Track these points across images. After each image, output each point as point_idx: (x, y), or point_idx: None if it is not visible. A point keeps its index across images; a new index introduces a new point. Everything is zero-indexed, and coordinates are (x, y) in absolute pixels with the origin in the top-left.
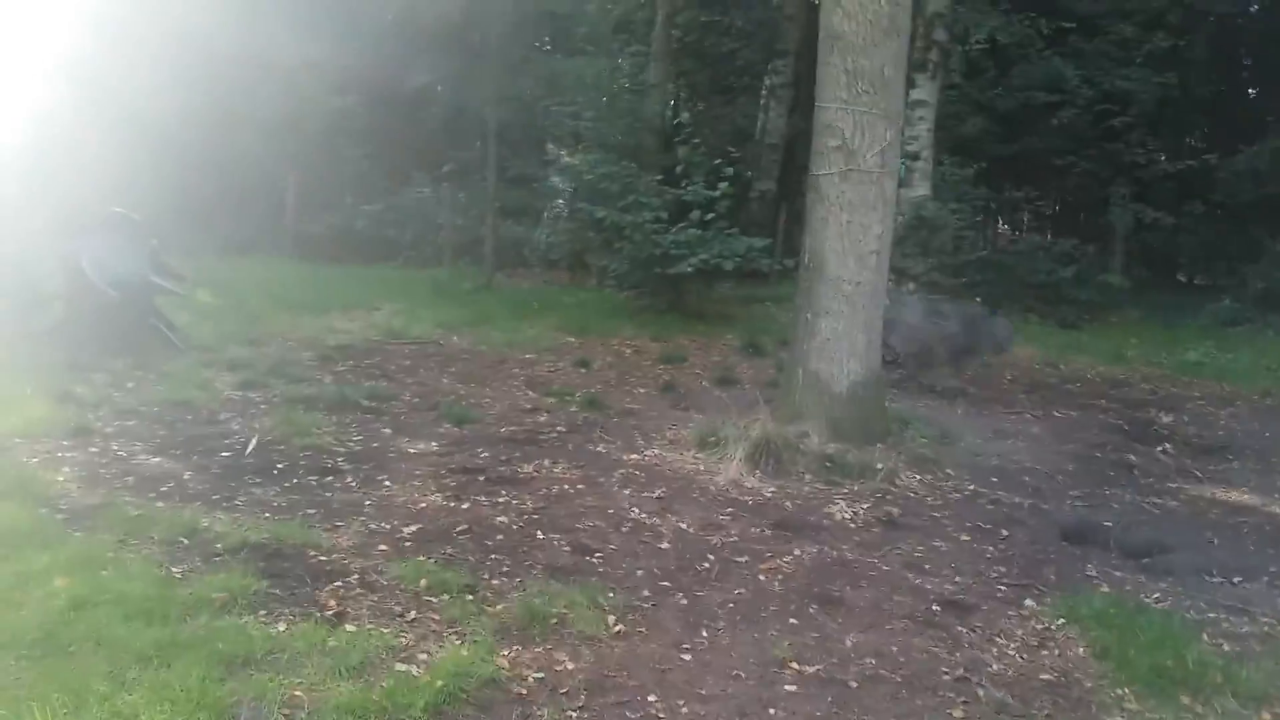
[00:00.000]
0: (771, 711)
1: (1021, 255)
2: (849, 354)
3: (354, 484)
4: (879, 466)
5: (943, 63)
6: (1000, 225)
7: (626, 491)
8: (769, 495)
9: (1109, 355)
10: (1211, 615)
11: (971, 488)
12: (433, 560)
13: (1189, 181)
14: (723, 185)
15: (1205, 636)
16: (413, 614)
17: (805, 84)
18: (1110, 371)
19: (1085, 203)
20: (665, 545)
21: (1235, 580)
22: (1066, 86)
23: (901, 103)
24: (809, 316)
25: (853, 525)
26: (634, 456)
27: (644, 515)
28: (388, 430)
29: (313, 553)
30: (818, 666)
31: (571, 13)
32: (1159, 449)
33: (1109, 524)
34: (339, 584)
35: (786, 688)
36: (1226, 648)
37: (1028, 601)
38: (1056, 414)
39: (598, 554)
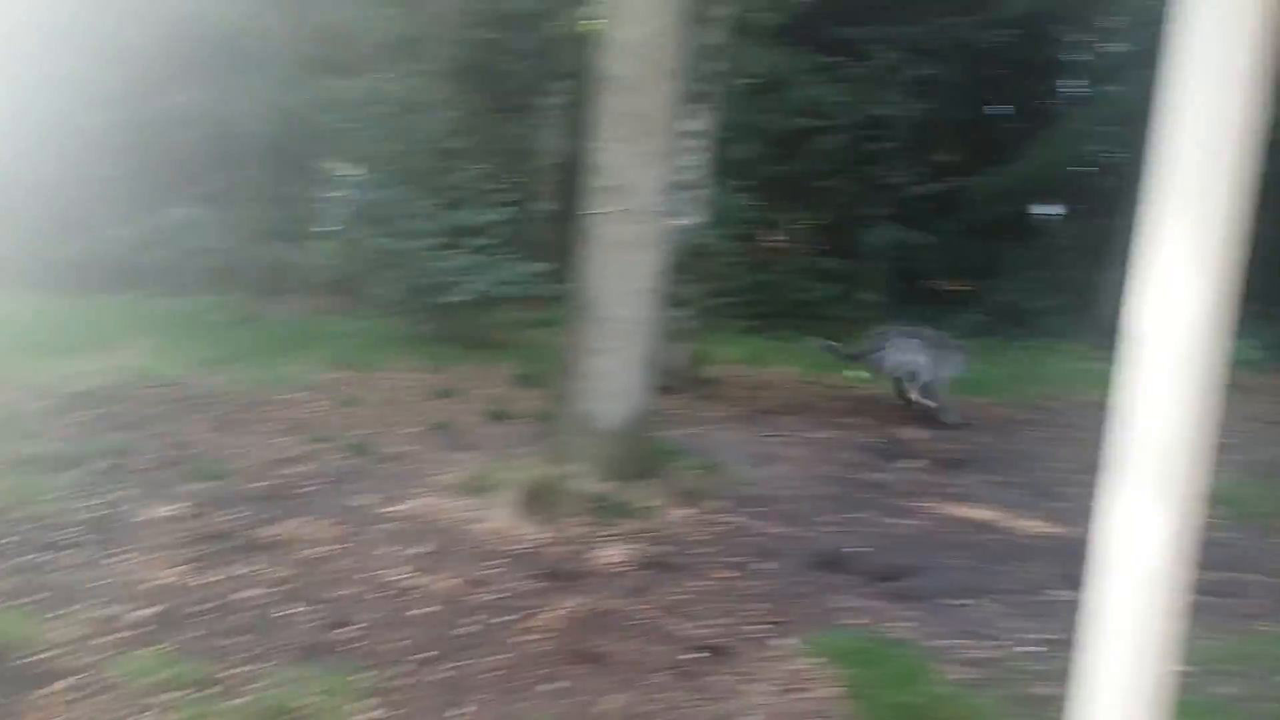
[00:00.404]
0: None
1: (789, 274)
2: (620, 392)
3: (85, 560)
4: (648, 505)
5: (718, 94)
6: (770, 245)
7: (390, 549)
8: (540, 542)
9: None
10: (950, 642)
11: (734, 519)
12: (171, 648)
13: (943, 201)
14: (502, 209)
15: (944, 665)
16: (147, 718)
17: (586, 105)
18: (867, 388)
19: (845, 224)
20: (430, 608)
21: (973, 601)
22: (829, 111)
23: (673, 142)
24: (580, 354)
25: (621, 570)
26: (400, 507)
27: (408, 575)
28: (128, 492)
29: (30, 650)
30: None
31: (347, 29)
32: (909, 466)
33: (861, 549)
34: (59, 687)
35: None
36: (966, 676)
37: (783, 640)
38: (819, 434)
39: (355, 625)
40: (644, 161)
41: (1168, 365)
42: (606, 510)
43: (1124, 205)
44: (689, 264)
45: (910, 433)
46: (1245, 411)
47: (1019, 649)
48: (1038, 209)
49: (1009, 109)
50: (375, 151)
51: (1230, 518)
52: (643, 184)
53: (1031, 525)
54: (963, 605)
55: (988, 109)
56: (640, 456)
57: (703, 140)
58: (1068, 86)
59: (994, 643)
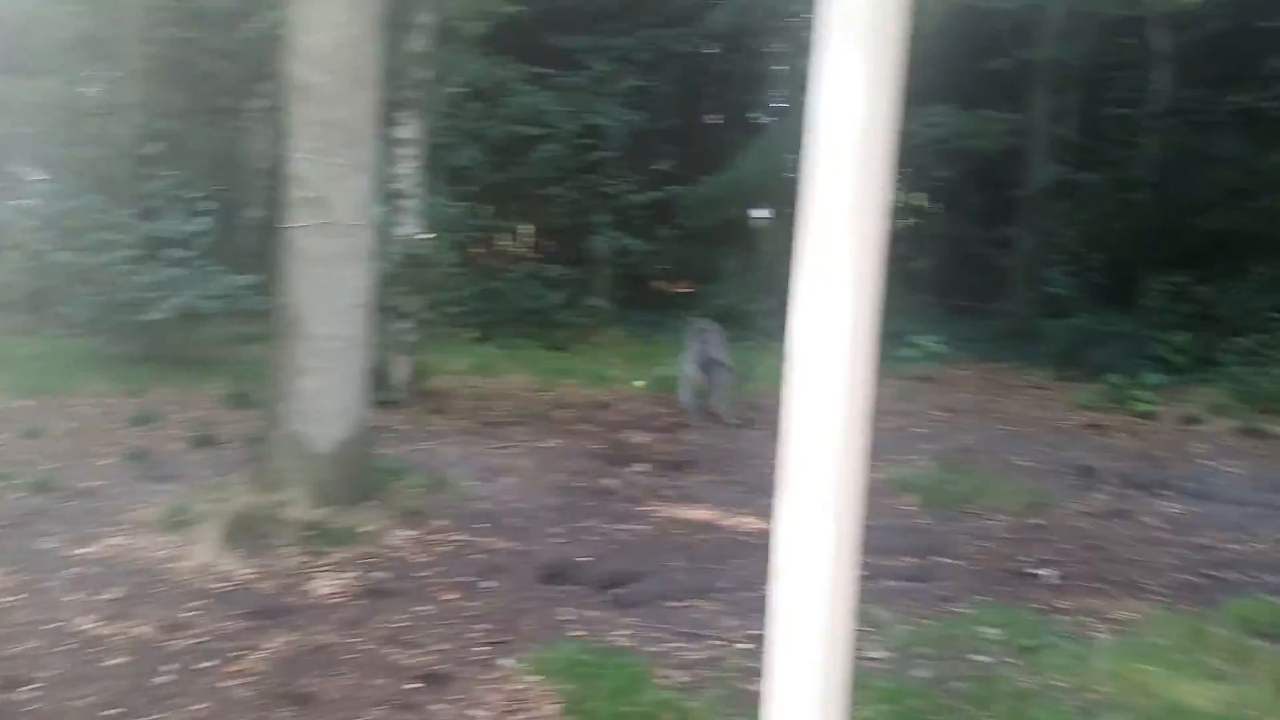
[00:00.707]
0: None
1: (514, 282)
2: (333, 412)
3: None
4: (367, 529)
5: (427, 101)
6: (496, 252)
7: (75, 597)
8: (246, 578)
9: (593, 378)
10: (669, 645)
11: (459, 538)
12: None
13: (662, 208)
14: (204, 218)
15: (663, 670)
16: None
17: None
18: (595, 394)
19: (571, 230)
20: (121, 659)
21: (693, 602)
22: (548, 120)
23: (374, 153)
24: (288, 375)
25: (335, 601)
26: (89, 549)
27: (95, 625)
28: None
29: None
30: None
31: (23, 26)
32: (635, 470)
33: (584, 558)
34: None
35: None
36: (682, 679)
37: (504, 660)
38: (544, 443)
39: (34, 684)
40: (344, 173)
41: (823, 369)
42: (321, 538)
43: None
44: (407, 275)
45: (637, 437)
46: (936, 403)
47: (736, 646)
48: (754, 214)
49: (720, 119)
50: (63, 157)
51: (923, 505)
52: (344, 196)
53: (749, 522)
54: (683, 607)
55: (704, 119)
56: (358, 478)
57: (414, 148)
58: (775, 98)
59: (712, 643)
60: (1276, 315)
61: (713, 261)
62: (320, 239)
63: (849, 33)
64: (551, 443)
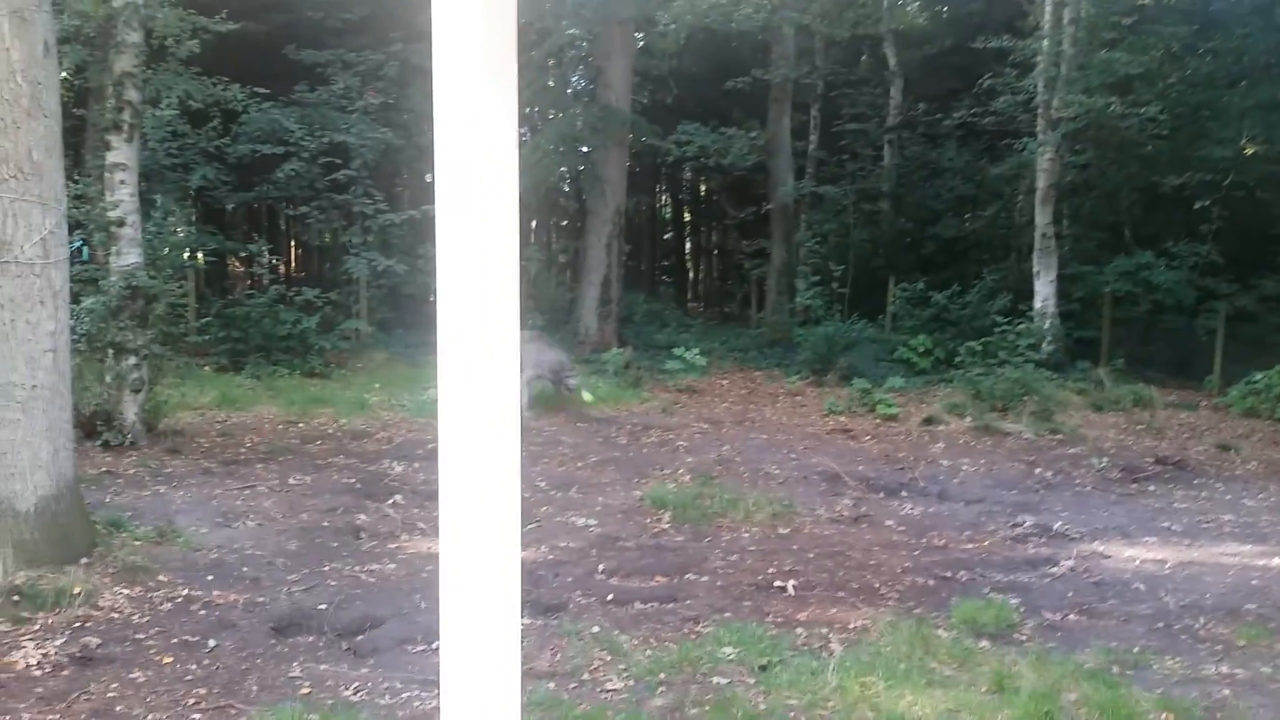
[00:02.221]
0: None
1: (264, 308)
2: (33, 466)
3: None
4: (78, 590)
5: (138, 124)
6: (243, 276)
7: None
8: None
9: (352, 405)
10: (405, 694)
11: (185, 592)
12: None
13: (419, 227)
14: None
15: None
16: None
17: None
18: (352, 424)
19: (324, 252)
20: None
21: (435, 644)
22: (291, 138)
23: (61, 186)
24: None
25: (38, 673)
26: None
27: None
28: None
29: None
30: None
31: None
32: (389, 503)
33: (322, 606)
34: None
35: None
36: None
37: None
38: (292, 480)
39: None
40: (21, 208)
41: (471, 379)
42: (25, 603)
43: (589, 223)
44: (128, 308)
45: (397, 467)
46: (699, 414)
47: None
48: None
49: None
50: None
51: (677, 521)
52: (28, 233)
53: None
54: (425, 651)
55: None
56: (68, 536)
57: (128, 173)
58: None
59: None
60: (1003, 318)
61: None
62: (3, 281)
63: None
64: (298, 479)
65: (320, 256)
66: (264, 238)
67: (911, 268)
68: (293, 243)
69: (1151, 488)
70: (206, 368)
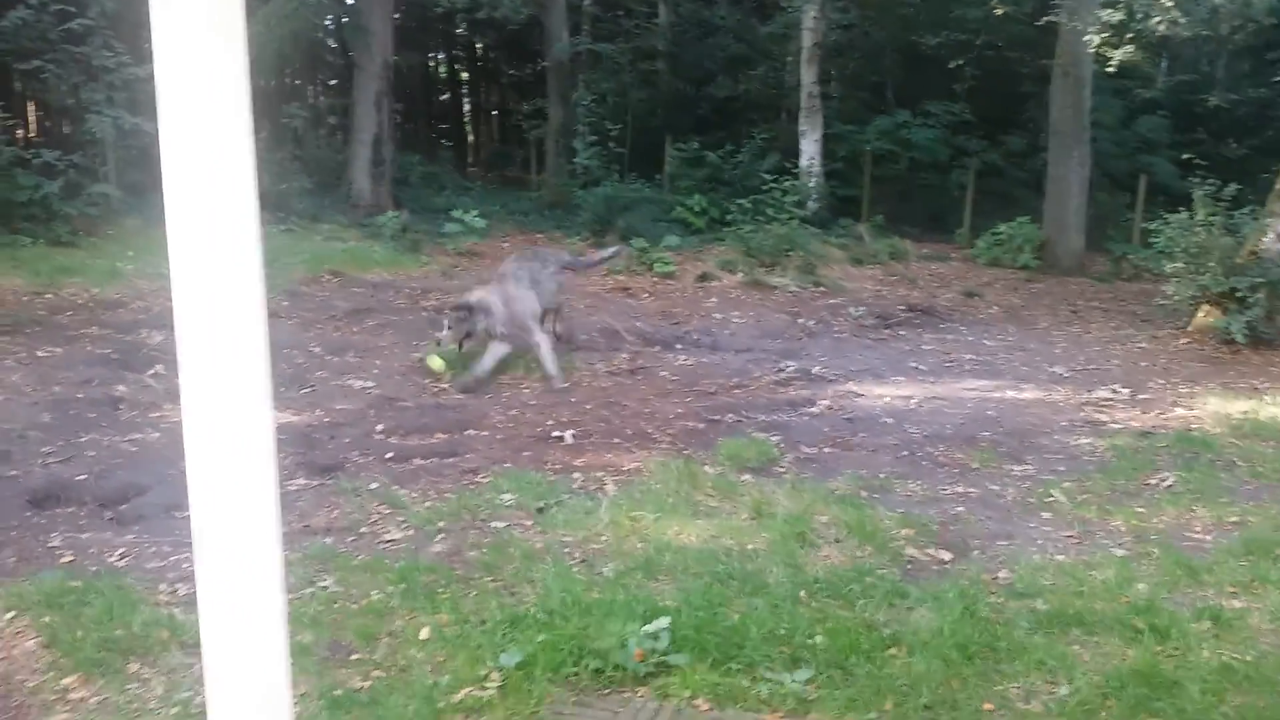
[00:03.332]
0: None
1: None
2: None
3: None
4: None
5: None
6: None
7: None
8: None
9: (104, 274)
10: (174, 558)
11: None
12: None
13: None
14: None
15: (162, 585)
16: None
17: None
18: (105, 293)
19: (65, 112)
20: None
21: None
22: None
23: None
24: None
25: None
26: None
27: None
28: None
29: None
30: None
31: None
32: (149, 374)
33: (82, 476)
34: None
35: None
36: (181, 591)
37: None
38: (41, 353)
39: None
40: None
41: (205, 258)
42: None
43: (357, 79)
44: None
45: (156, 336)
46: (479, 277)
47: None
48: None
49: None
50: None
51: (454, 381)
52: None
53: (277, 417)
54: (186, 517)
55: None
56: None
57: None
58: None
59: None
60: (771, 176)
61: None
62: None
63: None
64: (48, 351)
65: (61, 117)
66: None
67: (687, 128)
68: (29, 103)
69: (903, 333)
70: None
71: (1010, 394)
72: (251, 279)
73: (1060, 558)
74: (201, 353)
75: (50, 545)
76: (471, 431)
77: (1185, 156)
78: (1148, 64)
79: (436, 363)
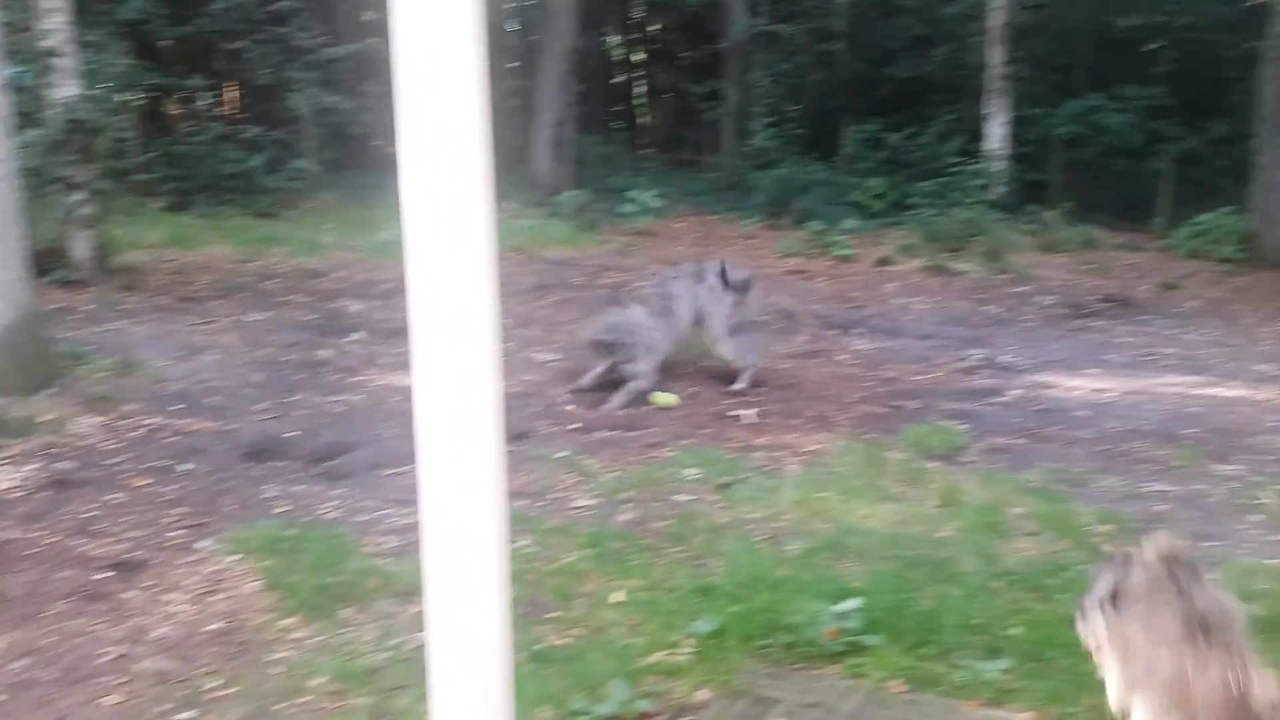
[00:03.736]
0: None
1: (206, 146)
2: None
3: None
4: (46, 418)
5: None
6: (185, 114)
7: None
8: None
9: (305, 245)
10: (381, 512)
11: (153, 421)
12: None
13: (364, 62)
14: None
15: (372, 537)
16: None
17: None
18: (306, 263)
19: (267, 88)
20: None
21: (406, 469)
22: None
23: None
24: None
25: (15, 496)
26: None
27: None
28: None
29: None
30: None
31: None
32: (349, 340)
33: (293, 433)
34: None
35: None
36: (390, 544)
37: (203, 543)
38: (250, 317)
39: None
40: None
41: (438, 231)
42: None
43: (541, 62)
44: (71, 142)
45: (354, 305)
46: (655, 256)
47: None
48: None
49: None
50: None
51: None
52: None
53: None
54: (396, 474)
55: None
56: (32, 365)
57: (65, 2)
58: None
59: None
60: (956, 159)
61: None
62: None
63: None
64: (258, 316)
65: (261, 95)
66: (202, 73)
67: (866, 109)
68: (232, 82)
69: (1096, 324)
70: (154, 206)
71: (1214, 391)
72: (482, 249)
73: (1273, 562)
74: (433, 321)
75: (266, 496)
76: (652, 407)
77: None
78: None
79: (665, 399)
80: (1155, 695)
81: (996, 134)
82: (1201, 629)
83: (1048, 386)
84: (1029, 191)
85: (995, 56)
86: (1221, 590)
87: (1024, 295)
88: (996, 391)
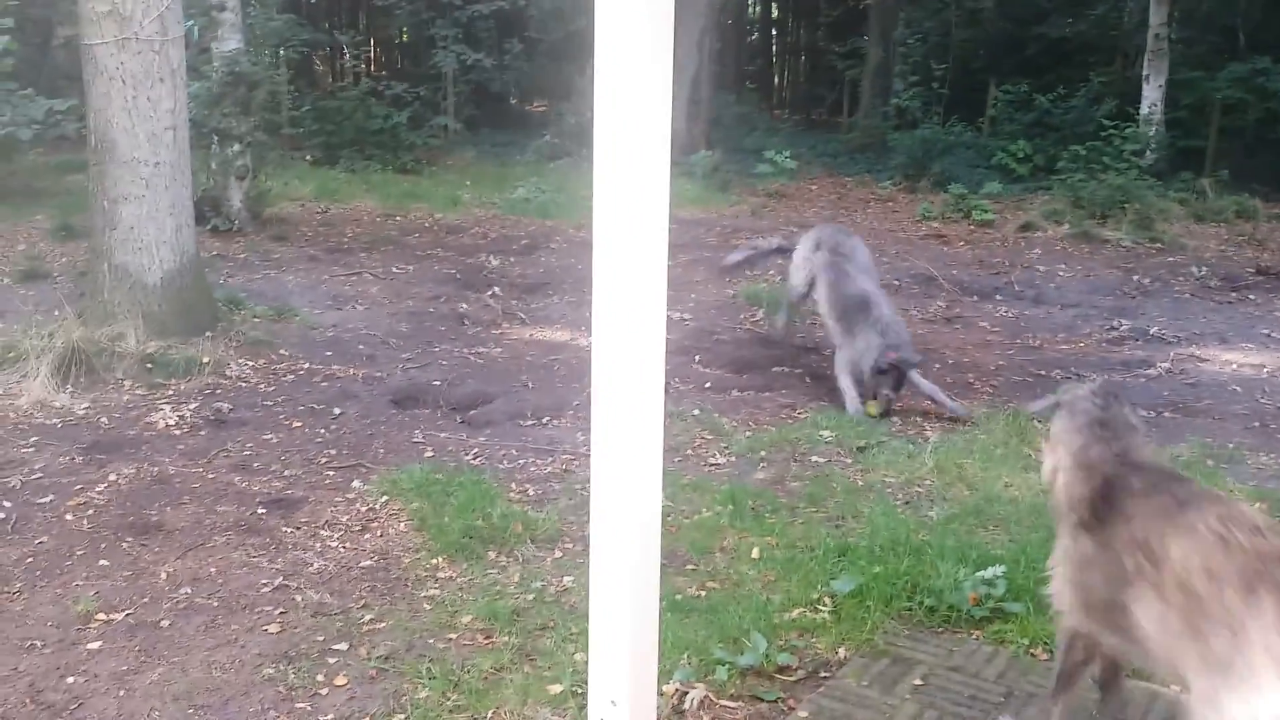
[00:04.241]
0: (70, 680)
1: (354, 102)
2: (158, 242)
3: None
4: (206, 360)
5: None
6: (333, 69)
7: None
8: (82, 413)
9: (445, 201)
10: (521, 461)
11: (306, 366)
12: None
13: (505, 19)
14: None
15: (514, 484)
16: None
17: None
18: (447, 218)
19: (413, 46)
20: None
21: (544, 420)
22: None
23: None
24: (107, 204)
25: (178, 432)
26: None
27: None
28: None
29: None
30: (126, 612)
31: None
32: (488, 294)
33: (437, 382)
34: None
35: (89, 646)
36: (531, 492)
37: (355, 483)
38: (395, 269)
39: None
40: None
41: (624, 196)
42: (158, 371)
43: (679, 16)
44: (231, 95)
45: (493, 260)
46: (789, 218)
47: (586, 458)
48: None
49: None
50: None
51: (769, 316)
52: (147, 8)
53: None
54: (535, 425)
55: None
56: (193, 310)
57: None
58: None
59: (563, 457)
60: (1109, 122)
61: (563, 78)
62: (124, 56)
63: None
64: (400, 269)
65: (403, 51)
66: (349, 30)
67: (1014, 70)
68: (372, 40)
69: (1252, 296)
70: (305, 159)
71: None
72: (659, 209)
73: None
74: (613, 278)
75: (413, 441)
76: (784, 368)
77: None
78: None
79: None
80: (1067, 463)
81: (1152, 97)
82: (1102, 425)
83: (1200, 360)
84: (1183, 159)
85: (1155, 15)
86: (1131, 412)
87: (1175, 265)
88: (1146, 363)
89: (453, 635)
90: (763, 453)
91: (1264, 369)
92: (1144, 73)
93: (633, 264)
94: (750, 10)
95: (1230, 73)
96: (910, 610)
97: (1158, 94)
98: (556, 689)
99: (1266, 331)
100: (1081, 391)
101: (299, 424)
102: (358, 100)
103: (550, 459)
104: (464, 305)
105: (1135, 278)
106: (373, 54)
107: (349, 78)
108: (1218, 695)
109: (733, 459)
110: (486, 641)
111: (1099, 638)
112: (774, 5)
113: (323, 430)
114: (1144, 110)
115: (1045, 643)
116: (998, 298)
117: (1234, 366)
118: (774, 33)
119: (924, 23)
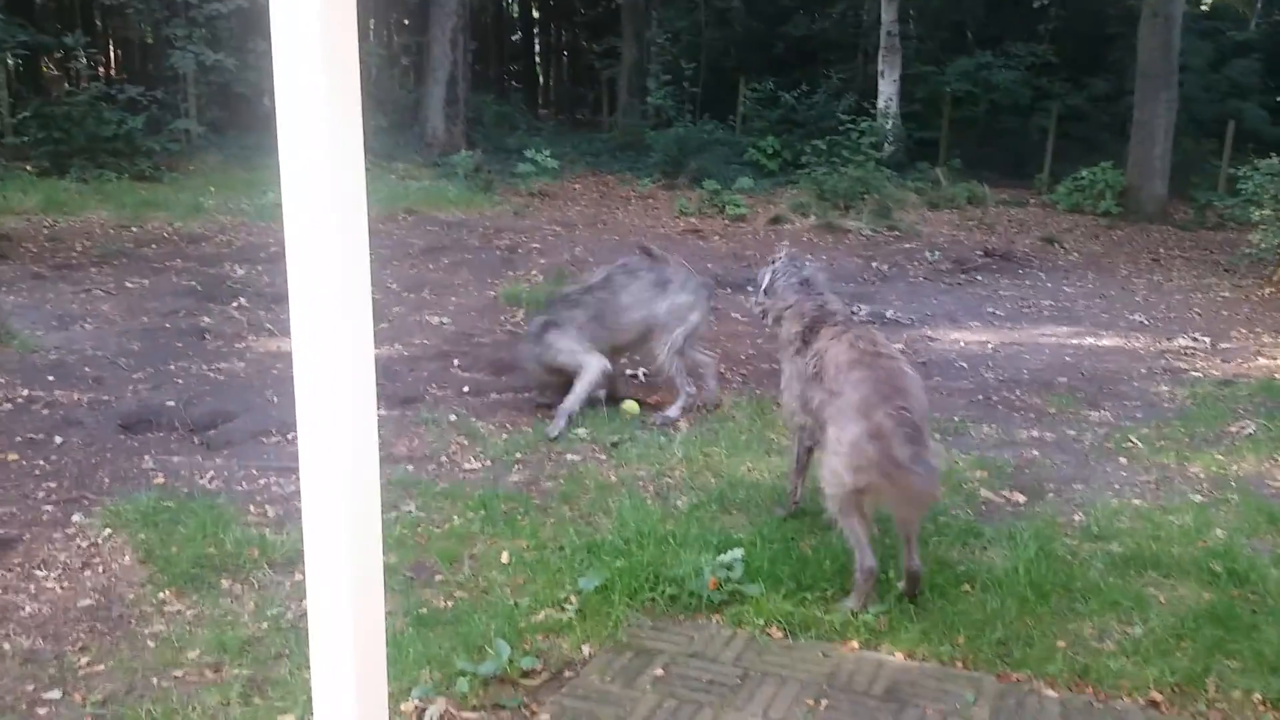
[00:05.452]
0: None
1: (83, 107)
2: None
3: None
4: None
5: None
6: (59, 75)
7: None
8: None
9: (187, 209)
10: (262, 481)
11: (25, 393)
12: None
13: (246, 18)
14: None
15: (252, 506)
16: None
17: None
18: (188, 227)
19: (147, 49)
20: None
21: (290, 436)
22: None
23: None
24: None
25: None
26: None
27: None
28: None
29: None
30: None
31: None
32: (233, 305)
33: (171, 403)
34: None
35: None
36: (271, 513)
37: (76, 517)
38: (129, 284)
39: None
40: None
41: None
42: None
43: (433, 16)
44: None
45: (239, 270)
46: (552, 217)
47: None
48: None
49: None
50: None
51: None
52: None
53: None
54: (280, 442)
55: None
56: None
57: None
58: None
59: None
60: (847, 117)
61: None
62: None
63: None
64: (135, 283)
65: (143, 53)
66: (79, 32)
67: (762, 68)
68: (111, 42)
69: (979, 278)
70: (28, 169)
71: (1089, 341)
72: (357, 221)
73: (1137, 502)
74: (309, 285)
75: (143, 467)
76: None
77: None
78: (1242, 3)
79: (633, 406)
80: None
81: (887, 91)
82: (805, 283)
83: (930, 340)
84: (918, 149)
85: (888, 14)
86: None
87: (910, 251)
88: None
89: (178, 672)
90: (518, 455)
91: (988, 345)
92: (879, 69)
93: (329, 267)
94: (508, 8)
95: (958, 67)
96: (654, 601)
97: (893, 89)
98: (289, 719)
99: (992, 310)
100: (782, 259)
101: (14, 457)
102: (87, 105)
103: (294, 477)
104: (205, 319)
105: (874, 264)
106: (113, 57)
107: (84, 82)
108: (830, 430)
109: (488, 463)
110: (215, 676)
111: (807, 423)
112: (532, 5)
113: (41, 462)
114: (880, 104)
115: (779, 621)
116: (748, 290)
117: (961, 344)
118: (536, 32)
119: (675, 22)
